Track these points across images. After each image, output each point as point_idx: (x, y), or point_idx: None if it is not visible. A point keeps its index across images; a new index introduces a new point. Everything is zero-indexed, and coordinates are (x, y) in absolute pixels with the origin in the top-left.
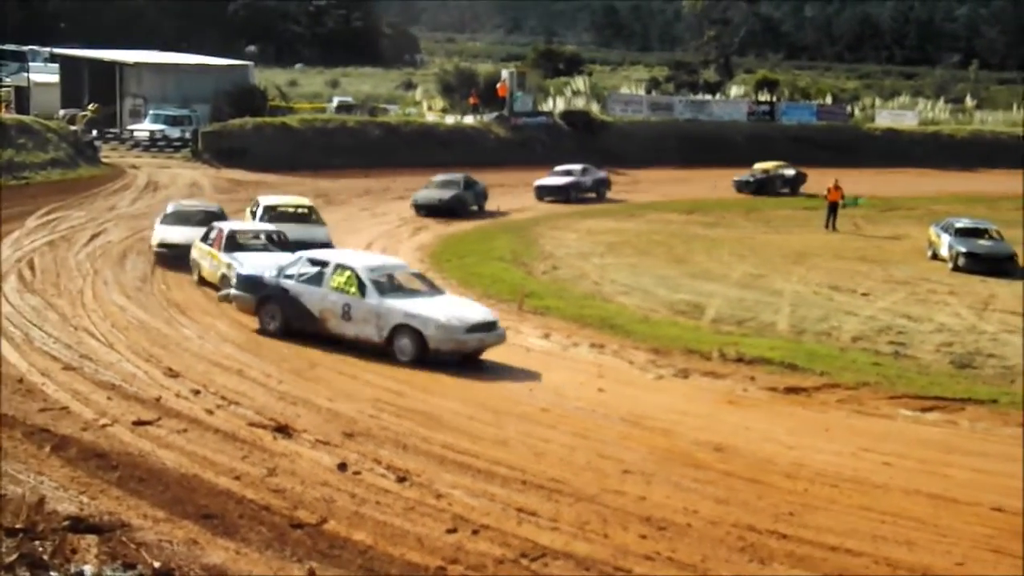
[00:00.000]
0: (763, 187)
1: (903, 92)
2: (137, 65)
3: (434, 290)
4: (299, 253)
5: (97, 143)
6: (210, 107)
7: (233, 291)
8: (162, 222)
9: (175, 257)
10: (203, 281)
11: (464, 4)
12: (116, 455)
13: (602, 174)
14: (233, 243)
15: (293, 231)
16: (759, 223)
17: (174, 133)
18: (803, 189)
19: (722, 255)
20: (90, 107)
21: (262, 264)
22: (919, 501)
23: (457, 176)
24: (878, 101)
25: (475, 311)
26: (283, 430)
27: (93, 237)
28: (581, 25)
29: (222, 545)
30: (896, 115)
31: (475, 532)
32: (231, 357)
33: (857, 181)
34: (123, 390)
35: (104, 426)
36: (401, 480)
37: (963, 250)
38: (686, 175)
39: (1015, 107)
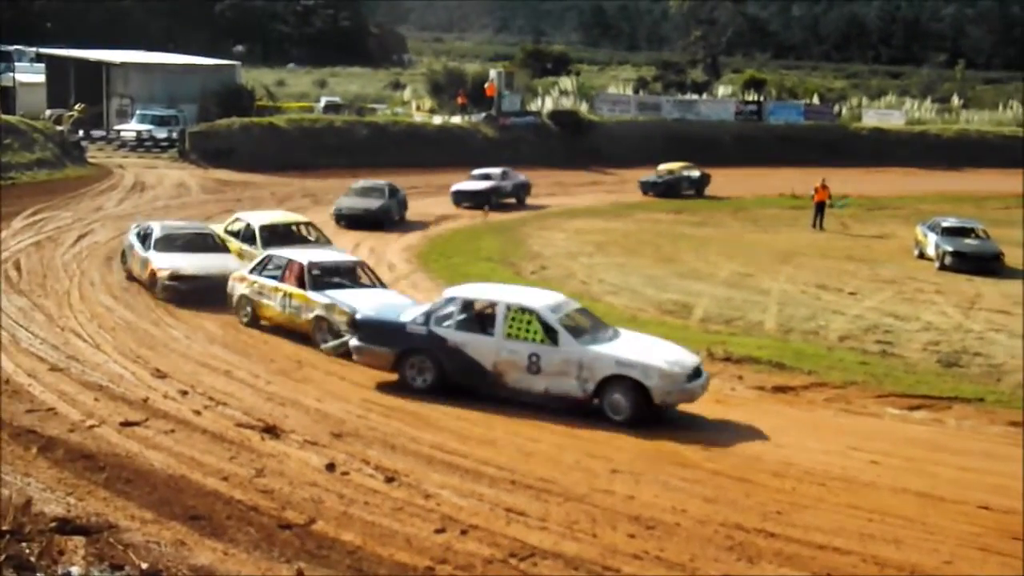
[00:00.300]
0: (670, 188)
1: (890, 92)
2: (124, 65)
3: (605, 326)
4: (445, 292)
5: (84, 143)
6: (197, 107)
7: (355, 342)
8: (156, 248)
9: (192, 291)
10: (255, 320)
11: (452, 4)
12: (103, 456)
13: (522, 178)
14: (316, 279)
15: None
16: (746, 222)
17: (161, 133)
18: (707, 191)
19: (709, 254)
20: (76, 107)
21: (378, 305)
22: (906, 499)
23: (380, 183)
24: (865, 101)
25: (680, 352)
26: (271, 431)
27: (80, 238)
28: (569, 25)
29: (210, 546)
30: (883, 115)
31: (464, 532)
32: (219, 358)
33: (844, 180)
34: (110, 391)
35: (91, 427)
36: (389, 480)
37: (950, 249)
38: None
39: (1001, 106)
